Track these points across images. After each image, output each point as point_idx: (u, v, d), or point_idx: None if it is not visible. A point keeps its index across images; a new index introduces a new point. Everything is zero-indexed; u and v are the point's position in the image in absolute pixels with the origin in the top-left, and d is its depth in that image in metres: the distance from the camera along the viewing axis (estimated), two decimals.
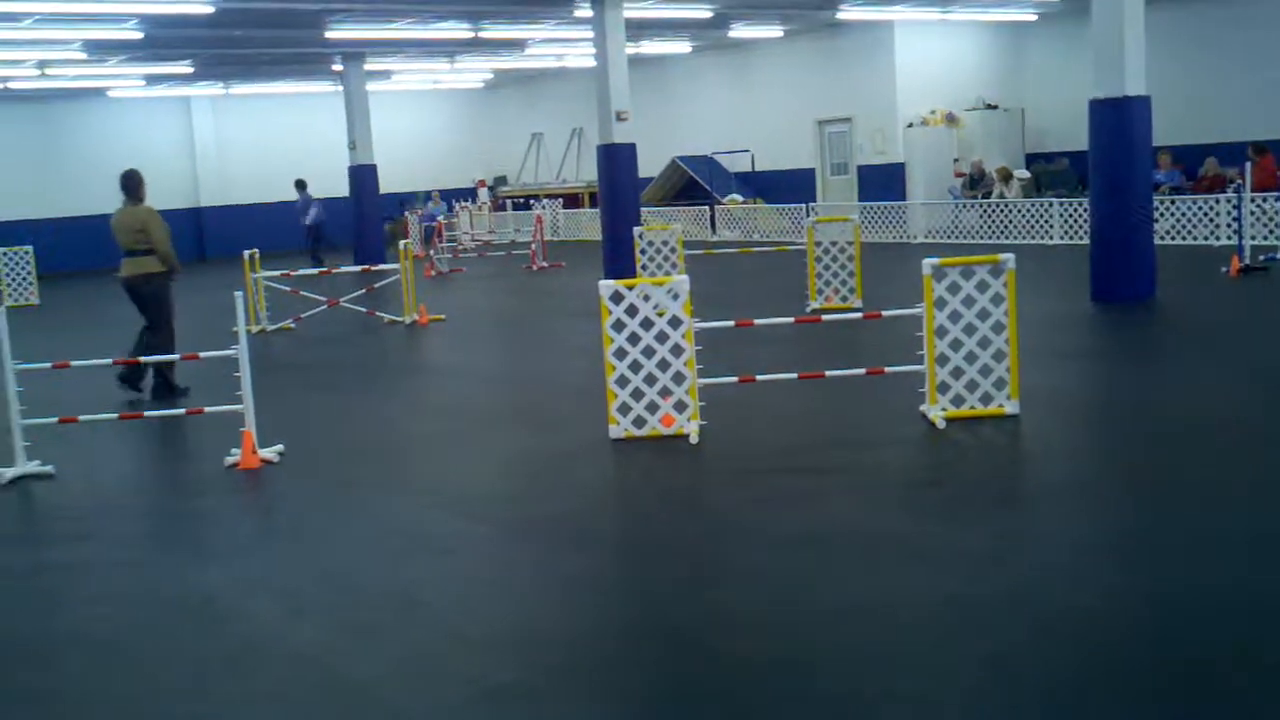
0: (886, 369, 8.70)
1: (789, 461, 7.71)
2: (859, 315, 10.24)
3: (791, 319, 10.18)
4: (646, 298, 8.43)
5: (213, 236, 31.96)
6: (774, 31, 26.06)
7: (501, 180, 35.83)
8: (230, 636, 5.33)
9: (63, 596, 6.11)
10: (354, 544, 6.60)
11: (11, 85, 26.34)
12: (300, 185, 25.78)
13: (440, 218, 26.45)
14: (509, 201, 33.49)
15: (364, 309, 16.08)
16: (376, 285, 17.51)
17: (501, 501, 7.34)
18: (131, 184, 11.46)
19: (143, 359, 10.56)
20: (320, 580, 6.02)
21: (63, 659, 5.21)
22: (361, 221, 26.13)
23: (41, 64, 23.49)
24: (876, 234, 22.97)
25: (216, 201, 32.34)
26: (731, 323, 9.00)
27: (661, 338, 8.31)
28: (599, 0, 19.27)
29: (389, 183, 27.44)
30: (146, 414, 9.03)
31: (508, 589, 5.78)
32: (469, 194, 34.08)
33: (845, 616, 5.03)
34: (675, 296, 8.30)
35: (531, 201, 29.70)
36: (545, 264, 22.42)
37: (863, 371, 8.85)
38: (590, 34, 20.41)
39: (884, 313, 9.16)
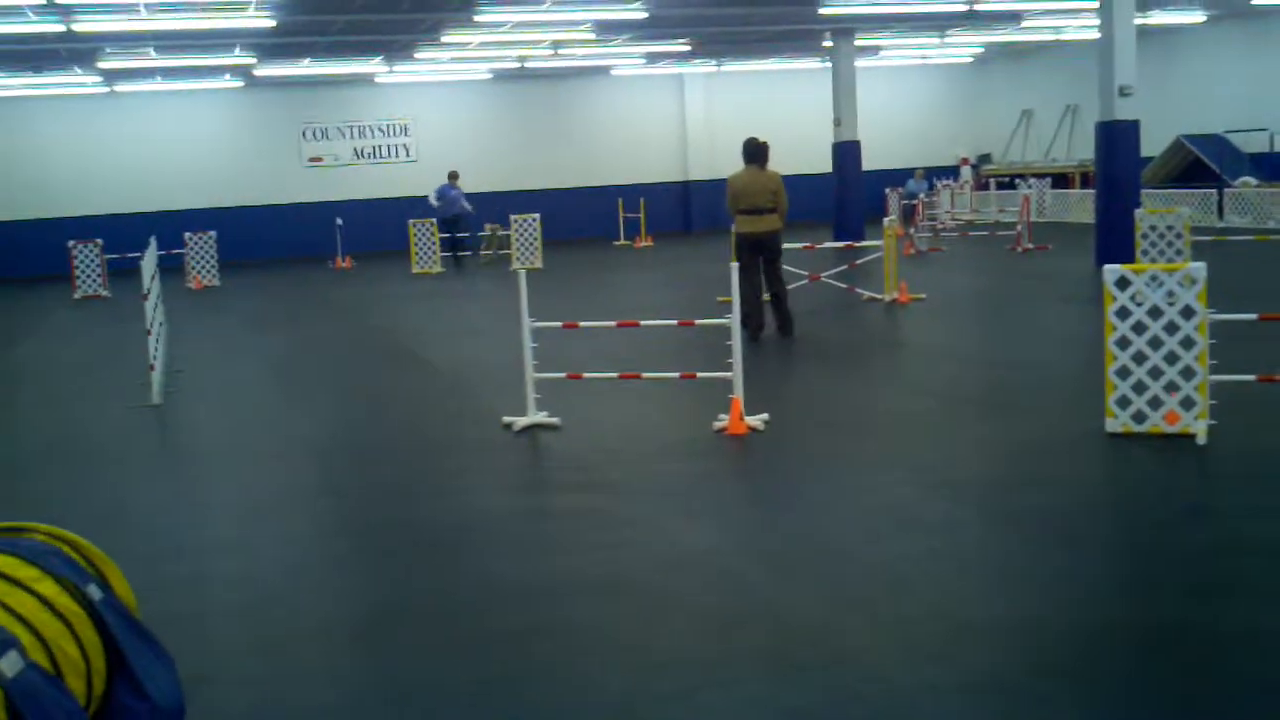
0: None
1: None
2: None
3: None
4: (1157, 284, 7.87)
5: (698, 209, 33.25)
6: None
7: (985, 158, 34.86)
8: (723, 593, 5.49)
9: (566, 541, 6.52)
10: (840, 516, 6.62)
11: (528, 65, 28.55)
12: (453, 177, 26.09)
13: (921, 196, 26.10)
14: (992, 180, 32.52)
15: (844, 285, 16.12)
16: (858, 262, 17.51)
17: (988, 487, 7.12)
18: (762, 151, 12.71)
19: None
20: (808, 548, 6.08)
21: (567, 599, 5.54)
22: (844, 198, 26.23)
23: (555, 44, 25.30)
24: None
25: (703, 176, 33.59)
26: (1254, 315, 8.23)
27: (1170, 328, 7.73)
28: None
29: (871, 159, 27.38)
30: (644, 375, 9.49)
31: (1001, 578, 5.58)
32: (951, 172, 33.40)
33: None
34: (1190, 284, 7.69)
35: (1016, 181, 28.68)
36: (1030, 246, 21.58)
37: None
38: (1094, 4, 19.34)
39: None
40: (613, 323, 9.95)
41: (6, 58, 22.56)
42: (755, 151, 12.67)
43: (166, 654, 4.28)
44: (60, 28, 18.53)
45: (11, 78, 25.51)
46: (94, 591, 4.08)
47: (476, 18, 20.39)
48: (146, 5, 17.75)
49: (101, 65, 23.85)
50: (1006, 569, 5.71)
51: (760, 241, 12.69)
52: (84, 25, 18.59)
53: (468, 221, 25.96)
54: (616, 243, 29.87)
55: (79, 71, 25.25)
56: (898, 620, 5.04)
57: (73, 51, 22.18)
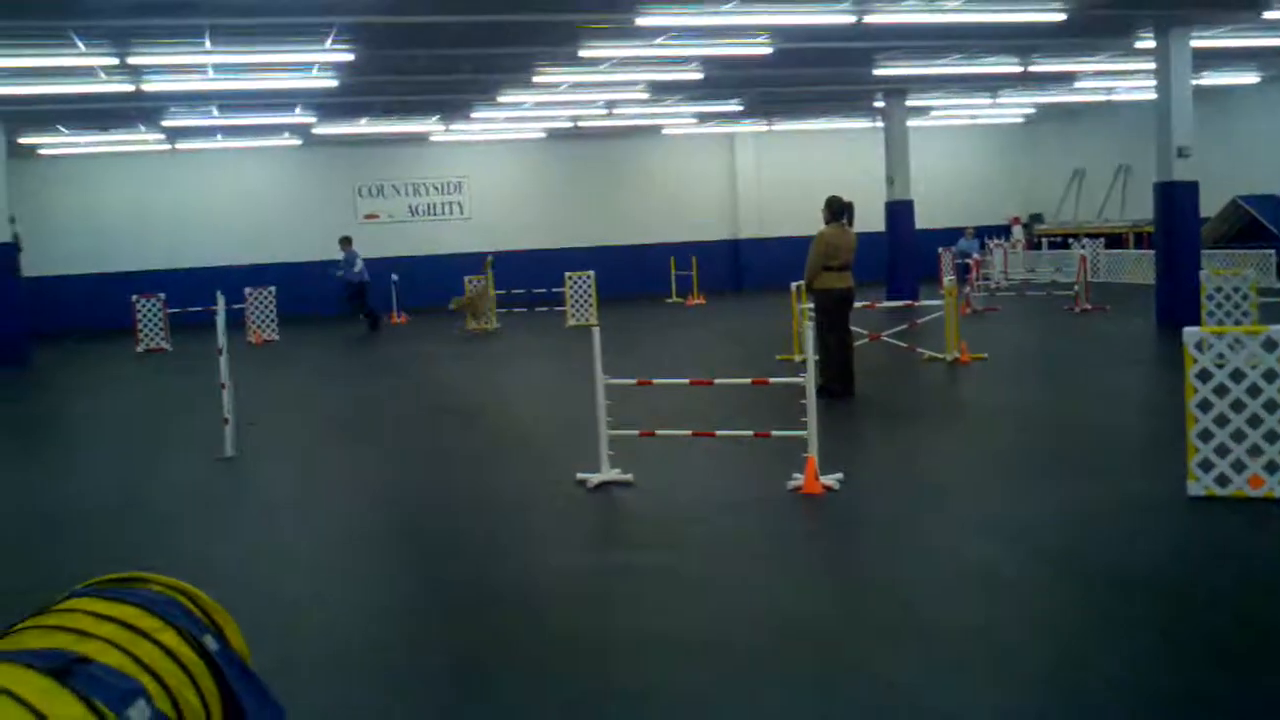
0: None
1: None
2: None
3: None
4: (1240, 347, 7.83)
5: (749, 267, 33.35)
6: None
7: (1037, 218, 34.78)
8: (813, 653, 5.47)
9: (649, 599, 6.51)
10: (924, 576, 6.60)
11: (581, 124, 28.84)
12: (346, 241, 25.95)
13: (975, 255, 26.07)
14: (1044, 240, 32.44)
15: (904, 344, 16.10)
16: (919, 322, 17.48)
17: (1073, 550, 7.06)
18: (849, 209, 12.93)
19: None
20: (900, 609, 6.06)
21: (658, 661, 5.53)
22: (897, 257, 26.23)
23: (609, 104, 25.58)
24: None
25: (753, 234, 33.72)
26: None
27: (1253, 391, 7.68)
28: (1164, 31, 18.28)
29: (921, 218, 27.40)
30: (718, 434, 9.52)
31: (1098, 642, 5.52)
32: (1002, 231, 33.34)
33: None
34: (1273, 347, 7.66)
35: (1069, 240, 28.59)
36: (1089, 306, 21.48)
37: None
38: (1146, 65, 19.39)
39: None
40: (685, 380, 9.99)
41: (77, 116, 23.06)
42: (841, 209, 12.78)
43: (279, 706, 4.33)
44: (130, 88, 18.95)
45: (80, 135, 26.06)
46: (210, 642, 4.15)
47: (534, 78, 20.67)
48: (214, 66, 18.12)
49: (166, 123, 24.33)
50: (1102, 633, 5.66)
51: (847, 297, 12.83)
52: (152, 86, 19.00)
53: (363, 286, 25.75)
54: (668, 300, 29.96)
55: (143, 130, 25.75)
56: (997, 683, 5.01)
57: (139, 110, 22.64)
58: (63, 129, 25.03)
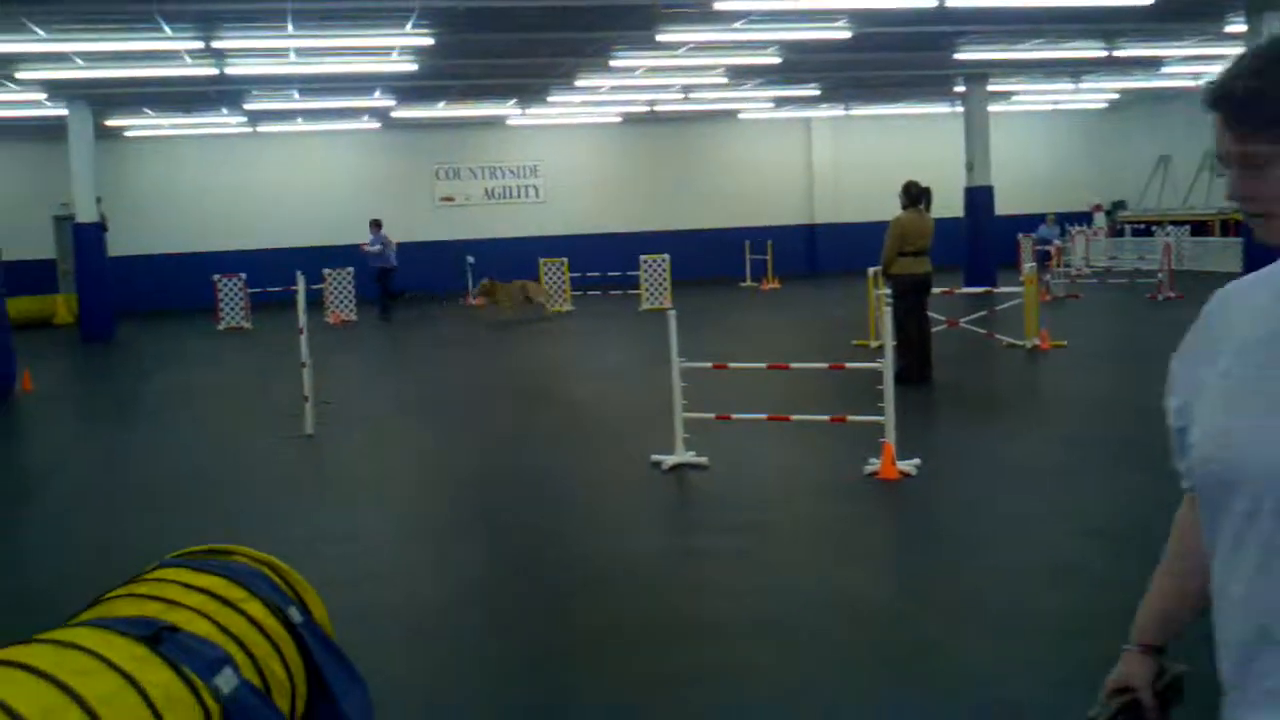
0: None
1: None
2: None
3: None
4: None
5: (824, 252, 33.15)
6: None
7: (1120, 205, 34.15)
8: (883, 638, 5.45)
9: (719, 581, 6.51)
10: (1000, 565, 6.53)
11: (658, 109, 28.81)
12: (376, 225, 25.70)
13: (1056, 241, 25.70)
14: (1127, 226, 31.86)
15: (983, 331, 15.92)
16: (997, 309, 17.28)
17: (1154, 539, 6.92)
18: (926, 195, 12.86)
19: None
20: (973, 597, 6.01)
21: (725, 641, 5.54)
22: (976, 243, 25.92)
23: (686, 89, 25.52)
24: None
25: (829, 219, 33.49)
26: None
27: None
28: (1256, 13, 17.83)
29: (1003, 205, 27.04)
30: (794, 418, 9.49)
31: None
32: (1084, 218, 32.78)
33: None
34: None
35: (1153, 228, 28.08)
36: (1172, 294, 21.09)
37: None
38: (1237, 50, 18.92)
39: None
40: (763, 364, 9.97)
41: (162, 99, 23.49)
42: (919, 194, 12.71)
43: (360, 678, 4.39)
44: (214, 72, 19.24)
45: (164, 117, 26.53)
46: (295, 614, 4.22)
47: (611, 62, 20.67)
48: (296, 50, 18.34)
49: (248, 106, 24.68)
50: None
51: (924, 283, 12.76)
52: (236, 69, 19.28)
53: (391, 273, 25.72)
54: (742, 284, 29.87)
55: (226, 112, 26.16)
56: (1072, 674, 4.94)
57: (222, 93, 23.00)
58: (148, 111, 25.51)
